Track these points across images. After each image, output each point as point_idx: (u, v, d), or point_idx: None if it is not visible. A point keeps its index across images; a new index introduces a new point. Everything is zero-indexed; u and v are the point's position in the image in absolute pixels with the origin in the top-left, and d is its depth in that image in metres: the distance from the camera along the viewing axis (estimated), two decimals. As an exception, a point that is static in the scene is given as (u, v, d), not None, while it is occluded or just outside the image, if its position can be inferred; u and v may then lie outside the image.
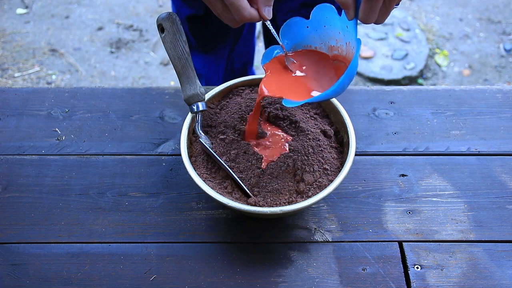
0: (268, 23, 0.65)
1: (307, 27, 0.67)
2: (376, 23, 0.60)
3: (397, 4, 0.60)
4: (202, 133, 0.70)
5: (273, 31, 0.66)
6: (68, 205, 0.74)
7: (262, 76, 0.79)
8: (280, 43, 0.67)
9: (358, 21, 0.60)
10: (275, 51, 0.70)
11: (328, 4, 0.64)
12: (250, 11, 0.61)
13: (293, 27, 0.68)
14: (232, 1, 0.60)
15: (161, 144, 0.82)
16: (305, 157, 0.69)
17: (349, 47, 0.64)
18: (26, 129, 0.84)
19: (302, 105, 0.76)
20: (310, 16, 0.66)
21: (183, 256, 0.69)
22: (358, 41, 0.59)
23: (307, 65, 0.69)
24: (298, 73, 0.69)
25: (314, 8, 0.65)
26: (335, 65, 0.68)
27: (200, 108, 0.70)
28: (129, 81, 1.97)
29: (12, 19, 2.23)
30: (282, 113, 0.75)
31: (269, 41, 1.32)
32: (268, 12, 0.63)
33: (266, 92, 0.67)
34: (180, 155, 0.68)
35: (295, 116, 0.74)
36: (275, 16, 1.18)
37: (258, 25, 2.07)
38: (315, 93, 0.66)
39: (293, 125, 0.74)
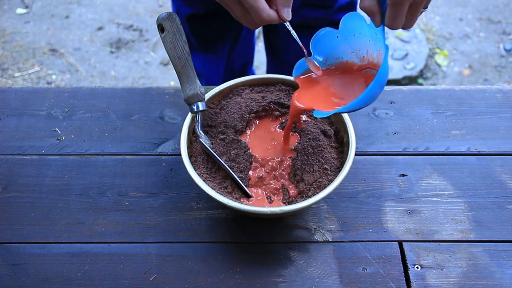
0: (287, 24, 0.65)
1: (337, 37, 0.67)
2: (404, 28, 0.60)
3: (425, 8, 0.59)
4: (202, 133, 0.70)
5: (292, 32, 0.66)
6: (68, 205, 0.74)
7: (262, 76, 0.79)
8: (300, 43, 0.66)
9: (386, 28, 0.59)
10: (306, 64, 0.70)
11: (356, 13, 0.64)
12: (269, 12, 0.62)
13: (323, 39, 0.68)
14: (251, 3, 0.60)
15: (161, 144, 0.82)
16: (305, 157, 0.69)
17: (380, 55, 0.64)
18: (26, 129, 0.84)
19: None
20: (340, 26, 0.66)
21: (183, 256, 0.69)
22: (386, 47, 0.58)
23: (336, 76, 0.69)
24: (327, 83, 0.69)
25: (343, 17, 0.65)
26: (365, 74, 0.68)
27: (200, 108, 0.70)
28: (129, 81, 1.97)
29: (12, 19, 2.23)
30: (281, 109, 0.75)
31: (269, 41, 1.32)
32: (287, 13, 0.63)
33: (298, 105, 0.67)
34: (180, 155, 0.68)
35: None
36: None
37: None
38: (345, 102, 0.66)
39: (293, 125, 0.74)
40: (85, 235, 0.71)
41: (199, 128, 0.70)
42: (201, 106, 0.70)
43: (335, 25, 0.67)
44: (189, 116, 0.72)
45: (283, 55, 1.27)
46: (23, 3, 2.31)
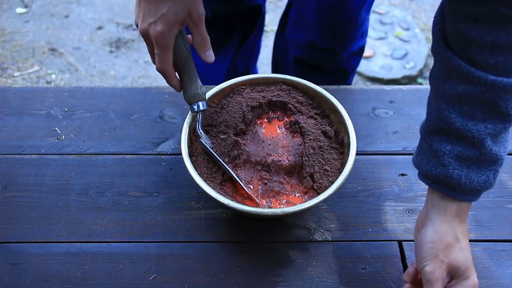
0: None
1: None
2: None
3: None
4: (202, 133, 0.70)
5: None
6: (67, 205, 0.74)
7: (263, 75, 0.79)
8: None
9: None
10: None
11: None
12: (172, 79, 0.66)
13: None
14: (159, 51, 0.62)
15: (160, 143, 0.82)
16: (306, 158, 0.69)
17: None
18: (26, 129, 0.84)
19: (302, 105, 0.76)
20: None
21: (183, 255, 0.69)
22: None
23: None
24: None
25: None
26: None
27: (201, 108, 0.70)
28: (128, 81, 1.96)
29: (11, 19, 2.23)
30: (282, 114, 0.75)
31: (276, 60, 1.31)
32: (209, 56, 0.64)
33: None
34: (179, 154, 0.68)
35: (296, 117, 0.74)
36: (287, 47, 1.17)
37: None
38: None
39: (294, 126, 0.74)
40: (84, 234, 0.71)
41: (200, 128, 0.70)
42: (202, 105, 0.70)
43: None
44: (190, 115, 0.72)
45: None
46: (23, 2, 2.31)
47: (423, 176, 0.59)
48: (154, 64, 0.65)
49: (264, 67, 1.90)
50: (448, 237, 0.57)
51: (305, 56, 1.13)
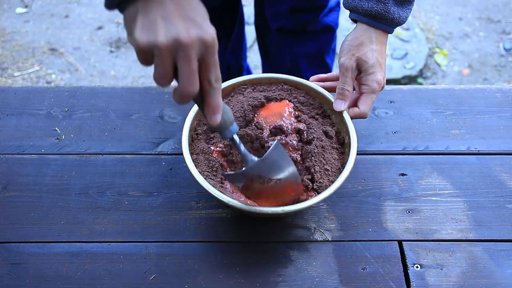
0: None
1: None
2: None
3: None
4: (251, 155, 0.62)
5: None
6: (67, 205, 0.74)
7: (264, 75, 0.79)
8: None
9: None
10: None
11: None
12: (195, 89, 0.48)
13: None
14: (187, 69, 0.47)
15: (160, 143, 0.82)
16: (307, 156, 0.69)
17: None
18: (26, 129, 0.84)
19: (303, 106, 0.76)
20: None
21: (183, 255, 0.69)
22: None
23: None
24: None
25: None
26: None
27: (237, 129, 0.60)
28: (128, 81, 1.96)
29: (11, 18, 2.23)
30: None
31: (263, 45, 1.32)
32: (214, 120, 0.53)
33: None
34: (180, 154, 0.68)
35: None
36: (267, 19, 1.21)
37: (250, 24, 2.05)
38: None
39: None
40: (84, 234, 0.71)
41: (245, 149, 0.62)
42: (236, 126, 0.59)
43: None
44: (190, 114, 0.72)
45: (276, 59, 1.28)
46: (23, 2, 2.31)
47: (360, 14, 0.70)
48: (162, 83, 0.50)
49: (258, 70, 1.90)
50: (363, 38, 0.70)
51: (291, 25, 1.15)
